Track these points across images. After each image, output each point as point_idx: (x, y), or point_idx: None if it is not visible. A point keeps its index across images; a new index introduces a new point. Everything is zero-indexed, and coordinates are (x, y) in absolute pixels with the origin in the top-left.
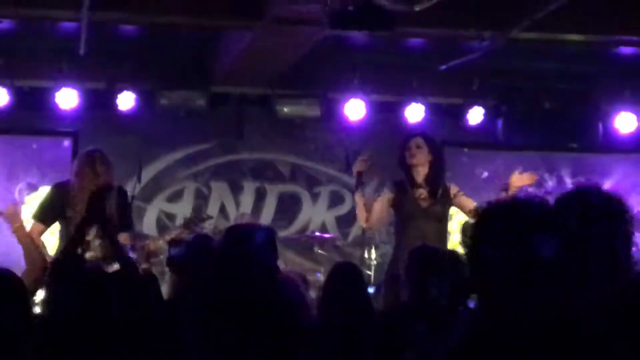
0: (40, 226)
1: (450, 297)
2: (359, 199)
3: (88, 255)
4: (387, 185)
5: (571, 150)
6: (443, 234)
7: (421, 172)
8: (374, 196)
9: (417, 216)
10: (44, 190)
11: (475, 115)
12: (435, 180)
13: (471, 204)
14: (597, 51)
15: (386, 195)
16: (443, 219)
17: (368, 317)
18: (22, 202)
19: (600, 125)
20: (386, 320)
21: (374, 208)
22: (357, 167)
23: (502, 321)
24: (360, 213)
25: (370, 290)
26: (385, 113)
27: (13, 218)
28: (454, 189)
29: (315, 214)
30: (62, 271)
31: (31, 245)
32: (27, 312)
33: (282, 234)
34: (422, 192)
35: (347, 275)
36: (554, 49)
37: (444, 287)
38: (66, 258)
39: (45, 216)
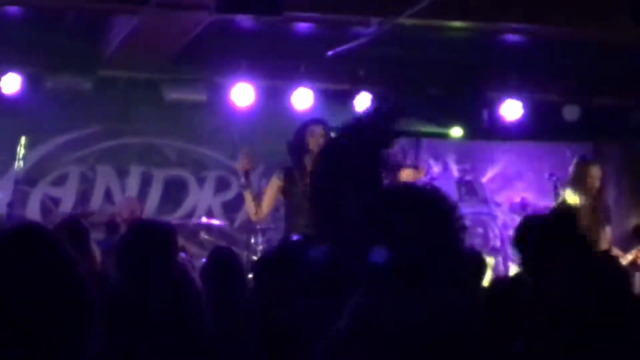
0: None
1: None
2: (247, 195)
3: None
4: (276, 172)
5: (456, 137)
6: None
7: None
8: (261, 184)
9: (307, 204)
10: None
11: (363, 101)
12: None
13: None
14: (482, 38)
15: (275, 183)
16: None
17: (244, 304)
18: None
19: (486, 112)
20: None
21: (264, 198)
22: (241, 165)
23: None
24: (250, 208)
25: None
26: (273, 98)
27: None
28: None
29: (202, 199)
30: None
31: None
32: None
33: (168, 218)
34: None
35: (224, 260)
36: (440, 36)
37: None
38: None
39: None
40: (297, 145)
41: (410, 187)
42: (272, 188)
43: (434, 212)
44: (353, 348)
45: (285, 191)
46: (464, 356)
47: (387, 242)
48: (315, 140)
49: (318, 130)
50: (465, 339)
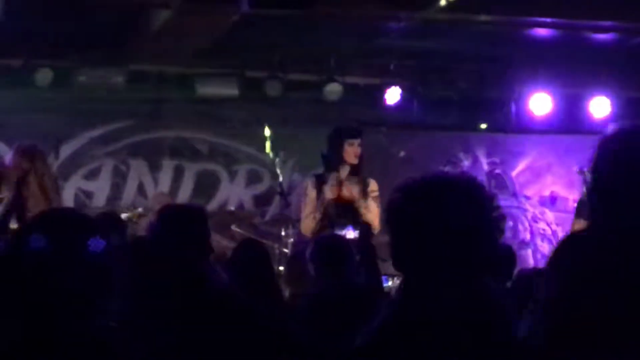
0: None
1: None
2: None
3: None
4: (309, 180)
5: (485, 131)
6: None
7: (347, 168)
8: (293, 177)
9: (334, 206)
10: None
11: (393, 96)
12: (358, 176)
13: (375, 213)
14: (511, 32)
15: (312, 192)
16: (359, 210)
17: (274, 296)
18: None
19: (514, 106)
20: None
21: (308, 209)
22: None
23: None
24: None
25: None
26: (304, 90)
27: None
28: (372, 186)
29: (233, 192)
30: None
31: None
32: None
33: None
34: (344, 185)
35: (253, 253)
36: (468, 30)
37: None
38: None
39: None
40: (333, 157)
41: (445, 177)
42: (311, 198)
43: (472, 201)
44: (397, 338)
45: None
46: (500, 343)
47: (431, 233)
48: (352, 151)
49: (356, 141)
50: (502, 327)
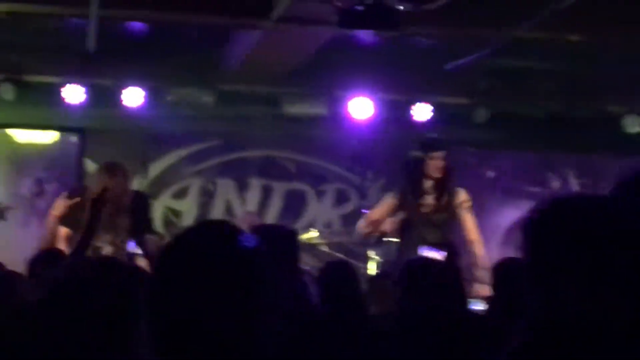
0: (64, 229)
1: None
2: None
3: None
4: (393, 191)
5: (575, 151)
6: (443, 240)
7: (430, 182)
8: (379, 197)
9: (418, 223)
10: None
11: (481, 115)
12: (443, 190)
13: (470, 224)
14: (601, 51)
15: (391, 202)
16: (443, 226)
17: (360, 315)
18: (31, 198)
19: (606, 126)
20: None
21: (375, 212)
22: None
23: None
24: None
25: None
26: (392, 111)
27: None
28: (462, 197)
29: (321, 212)
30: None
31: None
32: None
33: None
34: (427, 199)
35: (340, 273)
36: (558, 49)
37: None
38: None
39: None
40: (417, 167)
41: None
42: (386, 207)
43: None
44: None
45: (398, 210)
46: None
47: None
48: (435, 165)
49: (438, 155)
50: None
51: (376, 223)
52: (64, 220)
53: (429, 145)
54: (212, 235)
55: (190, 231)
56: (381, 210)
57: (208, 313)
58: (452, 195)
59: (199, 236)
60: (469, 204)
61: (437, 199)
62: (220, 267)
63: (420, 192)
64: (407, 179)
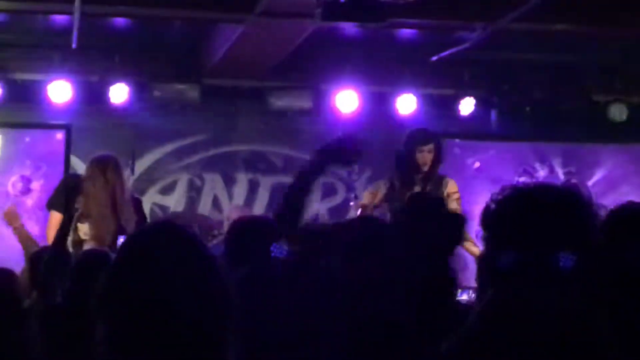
0: (58, 215)
1: None
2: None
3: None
4: (383, 180)
5: (562, 140)
6: None
7: (420, 174)
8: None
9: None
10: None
11: (467, 106)
12: (429, 181)
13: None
14: (587, 41)
15: (379, 190)
16: None
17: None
18: (17, 196)
19: (591, 115)
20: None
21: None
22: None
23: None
24: None
25: None
26: (377, 104)
27: (12, 219)
28: (451, 188)
29: (308, 205)
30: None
31: (31, 245)
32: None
33: None
34: (416, 190)
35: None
36: (544, 39)
37: None
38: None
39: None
40: (406, 162)
41: (546, 186)
42: (374, 194)
43: (573, 210)
44: (483, 343)
45: (386, 200)
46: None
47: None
48: (423, 158)
49: (426, 147)
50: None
51: (364, 208)
52: (55, 205)
53: (418, 136)
54: (165, 235)
55: (143, 232)
56: (372, 196)
57: (161, 309)
58: (440, 186)
59: (151, 237)
60: (458, 195)
61: (424, 189)
62: (173, 267)
63: (409, 184)
64: (397, 172)
